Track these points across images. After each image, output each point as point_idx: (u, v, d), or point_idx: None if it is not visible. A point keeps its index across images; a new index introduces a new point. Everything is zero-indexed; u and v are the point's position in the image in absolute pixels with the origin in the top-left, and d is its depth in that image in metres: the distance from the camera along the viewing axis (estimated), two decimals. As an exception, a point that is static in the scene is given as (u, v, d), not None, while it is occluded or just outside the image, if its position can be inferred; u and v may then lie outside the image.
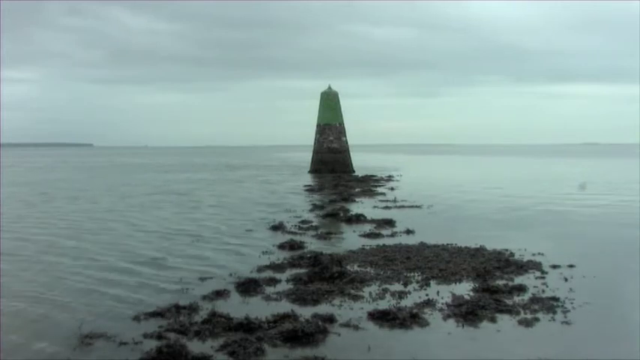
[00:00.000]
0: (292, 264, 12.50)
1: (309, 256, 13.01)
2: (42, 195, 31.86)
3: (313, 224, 19.03)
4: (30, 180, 46.92)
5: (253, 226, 18.91)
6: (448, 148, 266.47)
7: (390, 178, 43.04)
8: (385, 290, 10.33)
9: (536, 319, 8.76)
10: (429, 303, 9.51)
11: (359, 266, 12.31)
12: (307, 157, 56.44)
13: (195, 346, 7.56)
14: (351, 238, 16.30)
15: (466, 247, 14.20)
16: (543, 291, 10.30)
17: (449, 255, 13.29)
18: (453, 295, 9.95)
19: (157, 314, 8.93)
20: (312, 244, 15.23)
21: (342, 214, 21.18)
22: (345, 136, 52.03)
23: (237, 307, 9.29)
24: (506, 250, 13.93)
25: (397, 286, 10.61)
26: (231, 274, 11.66)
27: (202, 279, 11.39)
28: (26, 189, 36.64)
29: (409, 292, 10.23)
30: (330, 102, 51.70)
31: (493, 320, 8.77)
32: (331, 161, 50.78)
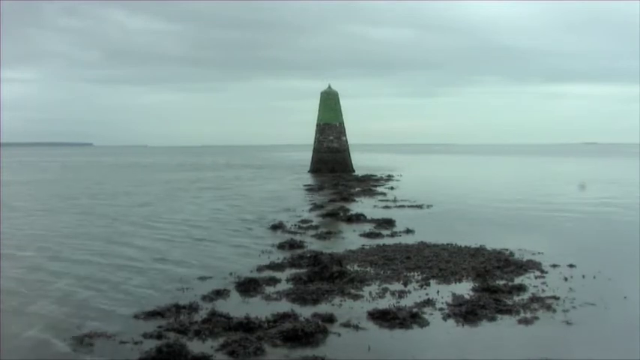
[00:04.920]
0: (292, 263, 12.51)
1: (309, 255, 13.01)
2: (86, 190, 35.40)
3: (313, 224, 19.03)
4: (64, 177, 48.69)
5: (253, 225, 18.91)
6: (448, 147, 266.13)
7: (389, 178, 43.04)
8: (385, 290, 10.34)
9: (536, 319, 8.75)
10: (429, 302, 9.51)
11: (359, 266, 12.31)
12: (307, 156, 56.42)
13: (195, 346, 7.56)
14: (351, 238, 16.30)
15: (466, 247, 14.20)
16: (543, 290, 10.30)
17: (449, 255, 13.29)
18: (453, 294, 9.95)
19: (157, 314, 8.93)
20: (312, 244, 15.22)
21: (342, 214, 21.19)
22: (345, 135, 52.01)
23: (237, 307, 9.30)
24: (506, 249, 13.93)
25: (397, 286, 10.62)
26: (231, 274, 11.66)
27: (202, 278, 11.40)
28: (78, 185, 39.91)
29: (409, 292, 10.23)
30: (330, 102, 51.67)
31: (493, 320, 8.76)
32: (331, 161, 50.77)
